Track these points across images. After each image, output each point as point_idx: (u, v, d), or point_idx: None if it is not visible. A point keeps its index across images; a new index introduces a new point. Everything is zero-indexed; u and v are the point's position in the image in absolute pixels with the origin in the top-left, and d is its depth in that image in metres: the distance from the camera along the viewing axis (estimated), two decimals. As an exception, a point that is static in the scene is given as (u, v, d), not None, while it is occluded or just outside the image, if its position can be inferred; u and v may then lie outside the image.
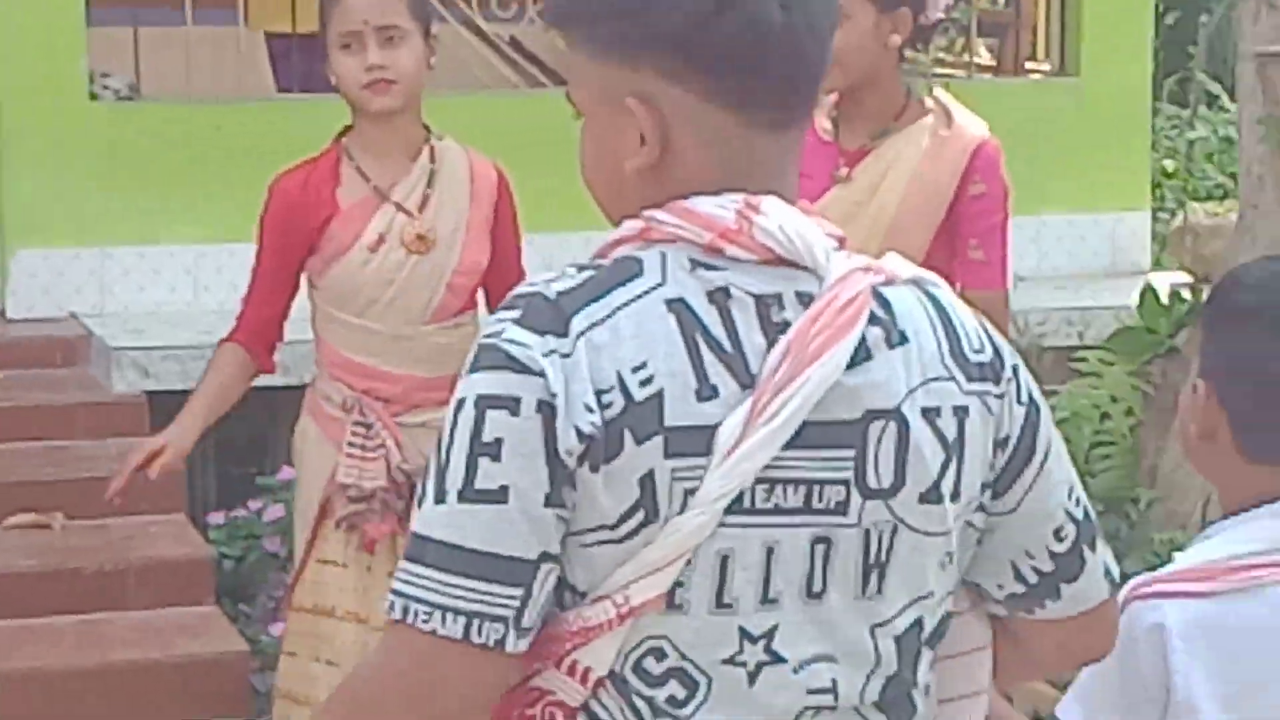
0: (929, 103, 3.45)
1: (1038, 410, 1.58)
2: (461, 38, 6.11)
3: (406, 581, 1.43)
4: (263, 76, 6.26)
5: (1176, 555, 2.27)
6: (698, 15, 1.45)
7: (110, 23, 6.48)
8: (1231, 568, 2.11)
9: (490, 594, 1.40)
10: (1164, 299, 5.75)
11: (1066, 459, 1.63)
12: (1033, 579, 1.59)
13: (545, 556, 1.40)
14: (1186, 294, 5.80)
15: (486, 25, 6.23)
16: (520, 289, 1.48)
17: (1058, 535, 1.58)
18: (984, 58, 7.25)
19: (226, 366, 3.57)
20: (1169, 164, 8.70)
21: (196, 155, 5.51)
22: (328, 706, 1.71)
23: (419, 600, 1.41)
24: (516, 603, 1.41)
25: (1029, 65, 7.12)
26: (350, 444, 3.52)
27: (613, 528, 1.42)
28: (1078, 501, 1.61)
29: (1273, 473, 2.07)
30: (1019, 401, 1.55)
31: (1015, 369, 1.57)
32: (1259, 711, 2.10)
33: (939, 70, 6.81)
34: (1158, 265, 6.89)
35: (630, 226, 1.48)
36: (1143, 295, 5.73)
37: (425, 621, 1.41)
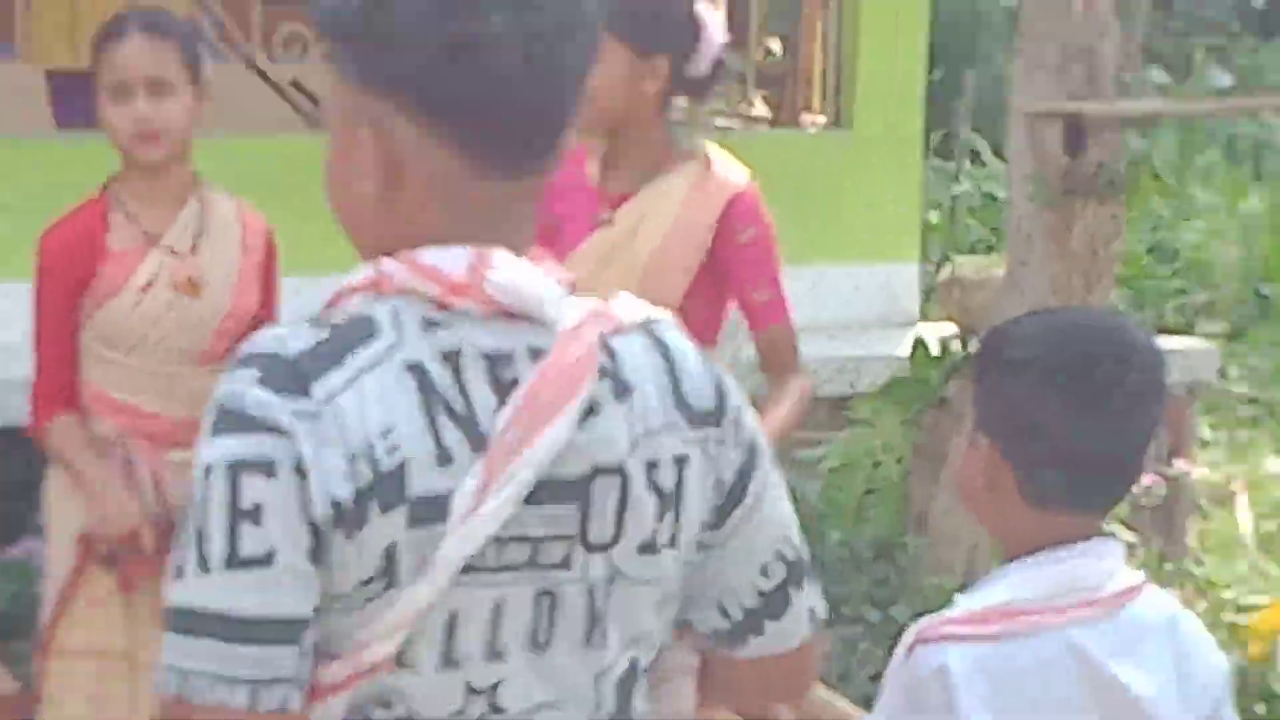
0: (693, 151, 3.49)
1: (755, 453, 1.63)
2: (242, 77, 6.10)
3: (180, 655, 1.43)
4: (41, 112, 6.14)
5: (957, 597, 2.28)
6: (433, 58, 1.47)
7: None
8: (1012, 612, 2.15)
9: (269, 658, 1.41)
10: (934, 351, 5.82)
11: (785, 500, 1.66)
12: (738, 615, 1.64)
13: (307, 620, 1.44)
14: (956, 345, 5.90)
15: (269, 66, 6.21)
16: (254, 347, 1.49)
17: (765, 573, 1.62)
18: (760, 109, 7.28)
19: (77, 436, 3.62)
20: (933, 216, 8.83)
21: None
22: None
23: (197, 674, 1.42)
24: (294, 661, 1.44)
25: (804, 117, 7.14)
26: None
27: (359, 591, 1.44)
28: (790, 543, 1.64)
29: (1054, 518, 2.12)
30: (737, 444, 1.60)
31: (738, 410, 1.62)
32: None
33: (715, 120, 6.81)
34: (924, 315, 6.96)
35: (362, 276, 1.51)
36: (914, 347, 5.83)
37: (207, 696, 1.41)
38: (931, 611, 2.37)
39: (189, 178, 3.54)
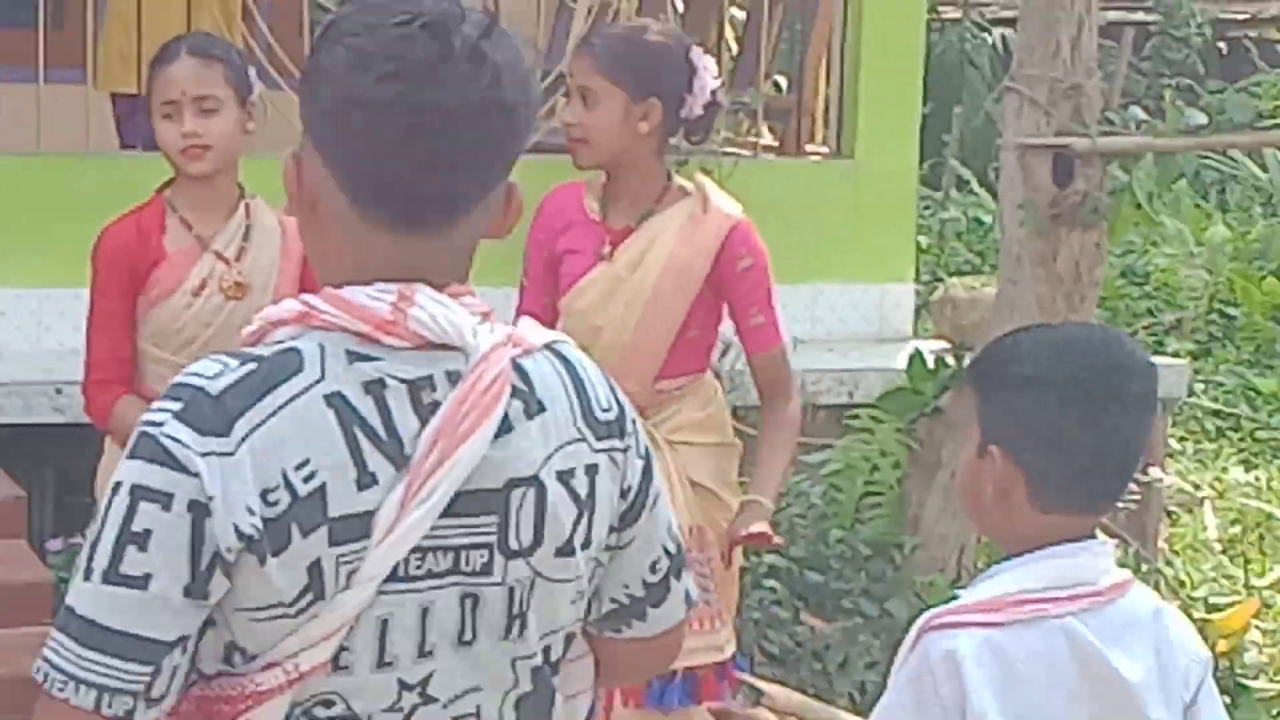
0: (689, 187, 3.62)
1: (650, 458, 1.70)
2: (292, 103, 6.37)
3: (52, 650, 1.48)
4: (108, 134, 6.23)
5: (959, 592, 2.39)
6: (329, 109, 1.50)
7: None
8: (1018, 601, 2.21)
9: (122, 670, 1.45)
10: (929, 364, 5.94)
11: (666, 497, 1.77)
12: (625, 602, 1.72)
13: (181, 639, 1.47)
14: (950, 359, 5.99)
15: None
16: (182, 379, 1.52)
17: (653, 568, 1.70)
18: (768, 139, 7.33)
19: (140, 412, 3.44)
20: (923, 240, 8.78)
21: (44, 204, 5.51)
22: None
23: (58, 670, 1.46)
24: (146, 678, 1.46)
25: (809, 148, 7.27)
26: None
27: (288, 605, 1.48)
28: (673, 536, 1.74)
29: (1059, 519, 2.19)
30: (638, 455, 1.66)
31: (635, 423, 1.69)
32: None
33: (727, 149, 6.88)
34: (915, 332, 7.01)
35: (289, 308, 1.53)
36: (911, 360, 5.94)
37: (60, 690, 1.46)
38: (925, 607, 2.49)
39: (236, 189, 3.62)
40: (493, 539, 1.57)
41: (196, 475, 1.44)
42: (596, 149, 3.51)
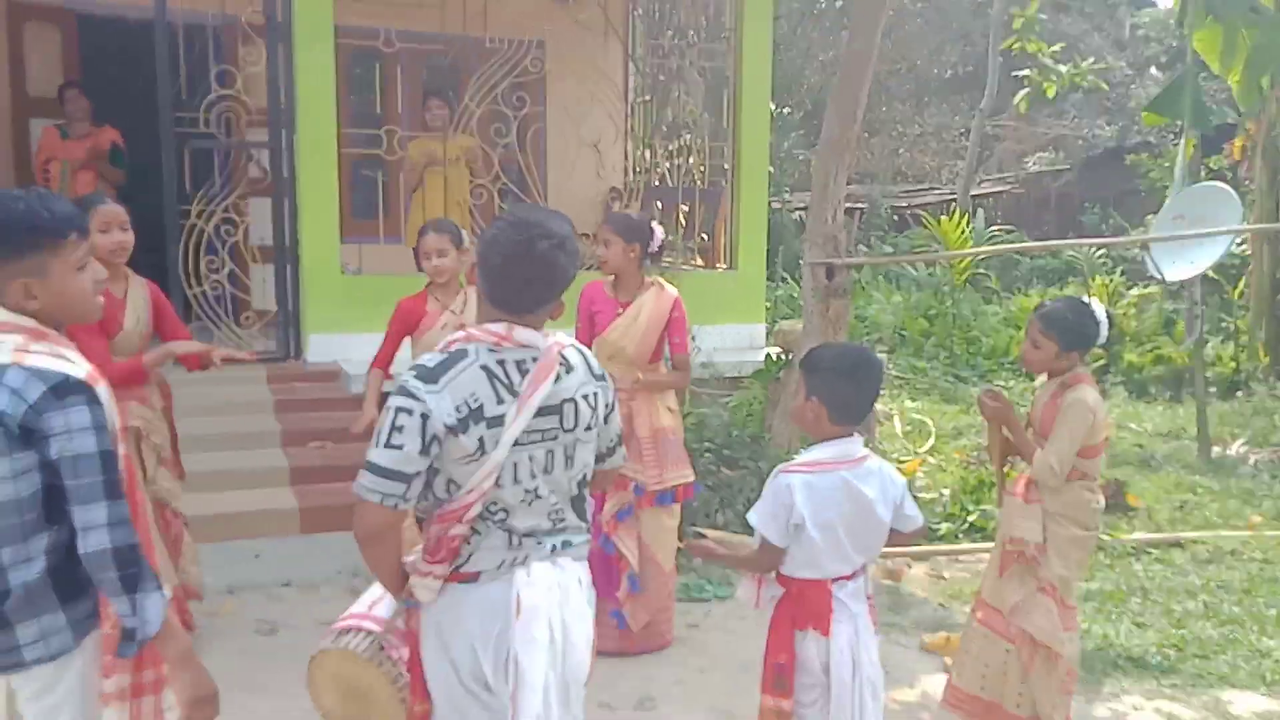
0: (656, 280, 4.26)
1: (613, 396, 2.24)
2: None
3: (360, 479, 1.98)
4: (411, 265, 5.32)
5: (795, 456, 2.77)
6: (490, 261, 2.03)
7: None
8: (819, 463, 2.72)
9: (392, 488, 2.00)
10: (774, 358, 7.22)
11: (617, 414, 2.28)
12: (604, 452, 2.30)
13: (417, 474, 1.99)
14: (783, 357, 7.25)
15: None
16: (419, 361, 2.09)
17: (611, 440, 2.33)
18: (698, 261, 8.79)
19: (376, 383, 4.42)
20: (768, 303, 10.33)
21: (383, 294, 5.56)
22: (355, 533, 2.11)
23: (363, 487, 1.97)
24: (403, 489, 1.98)
25: (719, 265, 8.57)
26: None
27: (470, 455, 1.99)
28: (618, 432, 2.32)
29: (838, 428, 2.72)
30: (608, 393, 2.25)
31: (606, 377, 2.22)
32: (822, 532, 2.68)
33: (682, 265, 8.46)
34: (767, 344, 8.24)
35: (462, 334, 2.06)
36: (766, 357, 7.35)
37: (365, 496, 1.97)
38: (778, 464, 2.86)
39: (459, 285, 4.29)
40: (557, 424, 2.09)
41: (423, 401, 1.96)
42: (611, 266, 4.14)
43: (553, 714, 2.08)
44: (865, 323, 11.65)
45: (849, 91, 6.66)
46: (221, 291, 7.12)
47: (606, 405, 2.26)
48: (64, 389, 1.94)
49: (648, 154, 8.63)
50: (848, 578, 2.72)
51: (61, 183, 7.40)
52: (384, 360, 4.38)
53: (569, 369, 2.16)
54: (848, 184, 6.66)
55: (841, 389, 2.67)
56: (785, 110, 17.37)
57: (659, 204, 8.74)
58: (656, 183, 8.64)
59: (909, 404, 9.44)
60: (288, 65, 7.04)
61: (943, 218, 12.96)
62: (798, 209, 14.81)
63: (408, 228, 7.30)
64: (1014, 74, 14.86)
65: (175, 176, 6.96)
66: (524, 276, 2.06)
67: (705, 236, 8.62)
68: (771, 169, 13.92)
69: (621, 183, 8.89)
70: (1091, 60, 14.39)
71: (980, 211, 14.81)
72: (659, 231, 4.13)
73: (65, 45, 8.67)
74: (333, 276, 7.03)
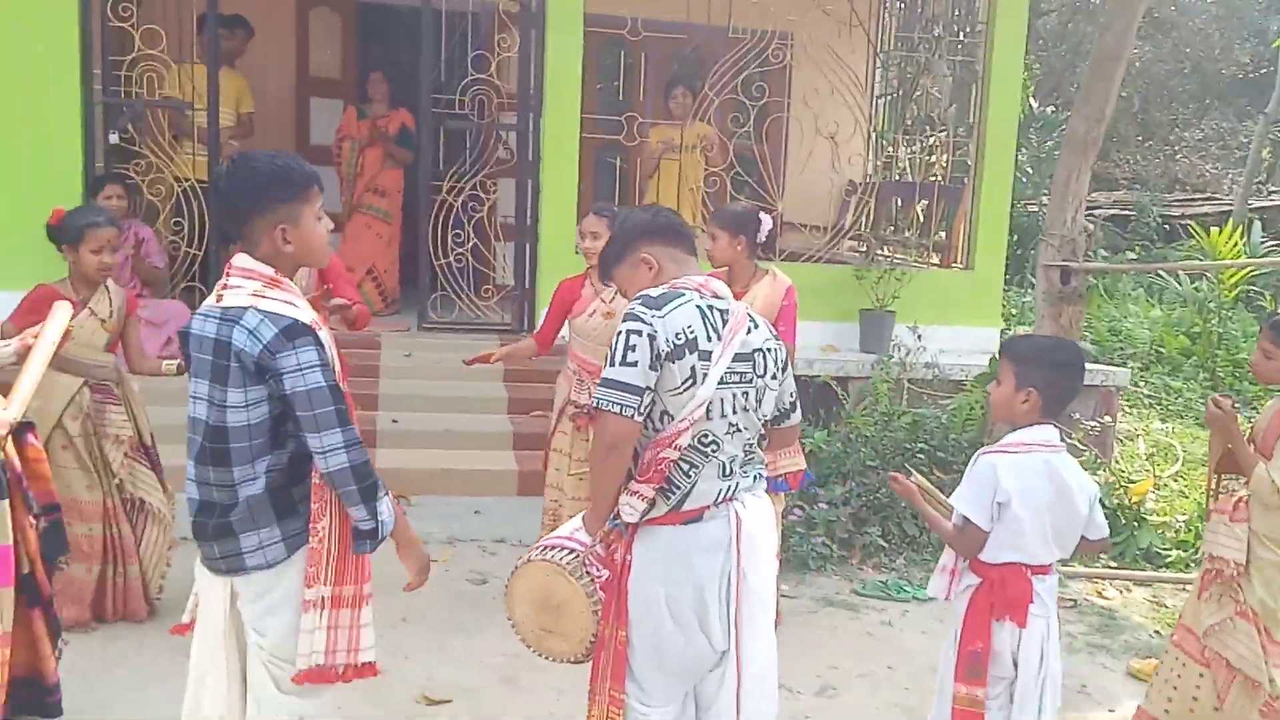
0: (765, 270, 4.32)
1: (785, 354, 2.54)
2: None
3: (600, 393, 2.27)
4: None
5: (1002, 440, 2.88)
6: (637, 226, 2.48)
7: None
8: (1023, 442, 2.82)
9: (628, 399, 2.26)
10: (996, 362, 5.04)
11: (791, 376, 2.58)
12: (783, 410, 2.60)
13: (647, 388, 2.26)
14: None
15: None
16: (644, 294, 2.39)
17: (790, 397, 2.62)
18: (934, 258, 8.71)
19: (524, 351, 4.66)
20: (1013, 309, 11.09)
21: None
22: (594, 444, 2.40)
23: (605, 400, 2.26)
24: (639, 401, 2.25)
25: (954, 265, 8.51)
26: (575, 386, 4.43)
27: (680, 386, 2.27)
28: (794, 390, 2.61)
29: (1044, 419, 2.83)
30: (783, 349, 2.53)
31: (776, 337, 2.50)
32: (1028, 510, 2.78)
33: (913, 262, 8.47)
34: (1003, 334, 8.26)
35: (669, 283, 2.41)
36: (990, 360, 7.18)
37: (607, 408, 2.25)
38: (979, 446, 3.20)
39: None
40: (750, 370, 2.39)
41: (650, 324, 2.27)
42: (719, 259, 4.30)
43: (757, 624, 2.38)
44: (1119, 336, 11.29)
45: (1098, 89, 6.58)
46: (465, 264, 7.58)
47: (784, 361, 2.53)
48: (293, 331, 2.18)
49: (888, 148, 8.67)
50: (1044, 570, 2.80)
51: (350, 159, 8.06)
52: (544, 338, 4.54)
53: (755, 324, 2.46)
54: (1115, 190, 6.58)
55: (1059, 382, 2.77)
56: (1049, 109, 16.65)
57: (897, 199, 8.79)
58: (896, 177, 8.66)
59: (1157, 425, 9.18)
60: (539, 52, 7.43)
61: (1213, 229, 12.25)
62: (1039, 209, 14.34)
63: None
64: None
65: (431, 154, 7.48)
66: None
67: (944, 234, 8.63)
68: (1029, 170, 13.86)
69: (860, 176, 8.88)
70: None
71: (1258, 224, 13.53)
72: (766, 221, 4.23)
73: (345, 31, 9.44)
74: (568, 256, 7.13)
